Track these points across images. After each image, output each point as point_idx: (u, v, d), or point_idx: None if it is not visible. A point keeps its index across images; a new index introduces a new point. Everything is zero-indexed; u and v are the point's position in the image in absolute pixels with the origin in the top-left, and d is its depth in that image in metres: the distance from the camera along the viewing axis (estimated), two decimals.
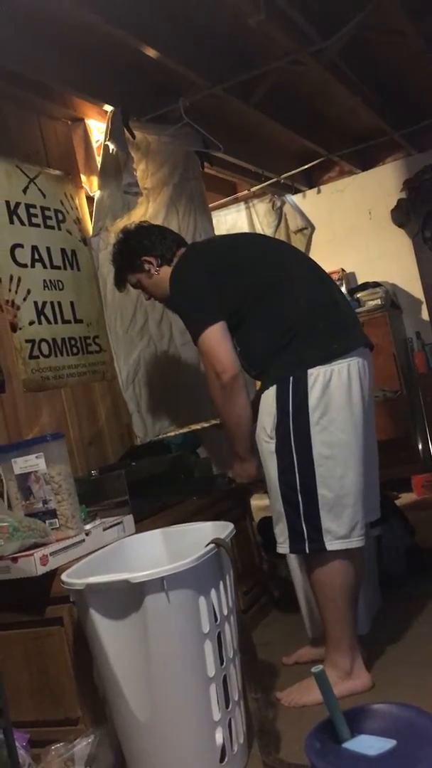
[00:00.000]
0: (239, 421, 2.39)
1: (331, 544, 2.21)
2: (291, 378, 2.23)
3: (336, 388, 2.21)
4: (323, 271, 2.48)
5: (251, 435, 2.42)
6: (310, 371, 2.21)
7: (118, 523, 2.38)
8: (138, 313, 3.49)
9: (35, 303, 3.01)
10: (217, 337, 2.29)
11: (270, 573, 3.24)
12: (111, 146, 3.31)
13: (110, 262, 2.74)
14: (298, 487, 2.23)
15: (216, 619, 1.87)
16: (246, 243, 2.60)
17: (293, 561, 2.81)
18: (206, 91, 3.58)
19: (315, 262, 2.50)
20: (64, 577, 1.90)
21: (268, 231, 5.63)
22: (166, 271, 2.52)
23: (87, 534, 2.25)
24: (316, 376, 2.21)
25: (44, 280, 3.08)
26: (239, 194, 5.51)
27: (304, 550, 2.25)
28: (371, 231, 5.57)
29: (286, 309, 2.29)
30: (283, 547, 2.30)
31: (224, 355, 2.29)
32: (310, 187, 5.74)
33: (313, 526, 2.22)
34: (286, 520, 2.26)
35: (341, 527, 2.21)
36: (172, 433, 3.45)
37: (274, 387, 2.26)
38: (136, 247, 2.57)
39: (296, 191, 5.69)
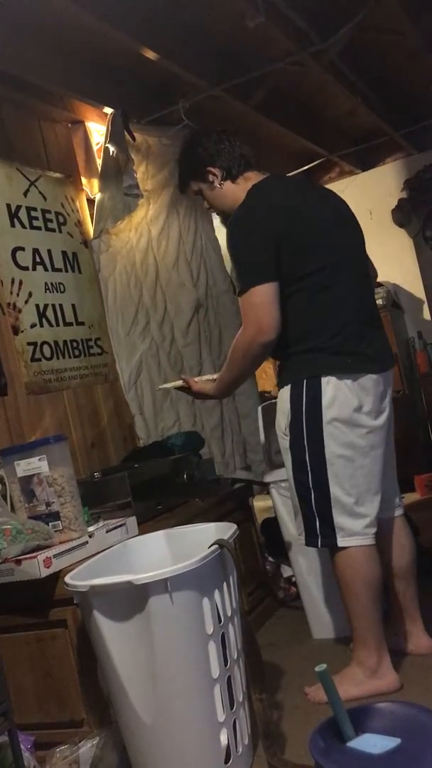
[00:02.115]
0: (249, 376, 2.42)
1: (343, 541, 2.21)
2: (305, 381, 2.23)
3: (349, 390, 2.21)
4: (370, 276, 2.45)
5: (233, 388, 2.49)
6: (324, 378, 2.21)
7: (121, 525, 2.38)
8: (140, 315, 3.50)
9: (37, 306, 3.01)
10: (269, 294, 2.19)
11: (274, 574, 3.24)
12: (111, 148, 3.31)
13: (175, 162, 2.65)
14: (311, 485, 2.24)
15: (220, 620, 1.87)
16: (319, 211, 2.36)
17: (297, 561, 2.81)
18: (206, 92, 3.58)
19: (367, 261, 2.45)
20: (67, 579, 1.90)
21: None
22: (229, 188, 2.41)
23: (90, 536, 2.25)
24: (327, 381, 2.21)
25: (46, 283, 3.08)
26: None
27: (316, 544, 2.28)
28: (372, 231, 5.49)
29: (332, 309, 2.24)
30: (300, 539, 2.33)
31: (272, 317, 2.20)
32: None
33: (326, 523, 2.23)
34: (301, 515, 2.29)
35: (354, 524, 2.22)
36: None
37: (289, 387, 2.27)
38: (203, 155, 2.43)
39: None
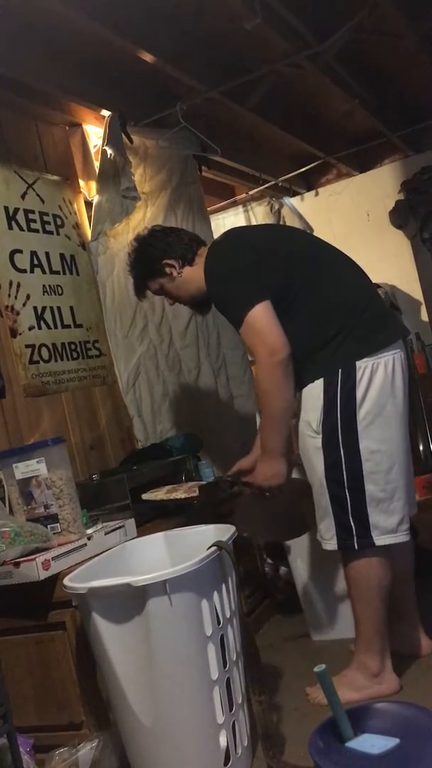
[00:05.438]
0: (287, 405, 2.24)
1: (379, 539, 2.18)
2: (340, 371, 2.19)
3: (382, 380, 2.19)
4: (357, 264, 2.43)
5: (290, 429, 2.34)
6: (358, 364, 2.17)
7: (119, 527, 2.38)
8: (138, 317, 3.50)
9: (35, 308, 3.01)
10: (266, 314, 2.18)
11: (272, 576, 3.23)
12: (109, 151, 3.31)
13: (127, 271, 2.62)
14: (346, 483, 2.20)
15: (219, 622, 1.87)
16: (285, 231, 2.56)
17: (296, 563, 2.81)
18: (203, 95, 3.59)
19: (347, 255, 2.43)
20: (66, 581, 1.90)
21: None
22: (189, 272, 2.45)
23: (89, 538, 2.25)
24: (364, 368, 2.18)
25: (43, 285, 3.08)
26: (237, 197, 5.51)
27: (352, 546, 2.21)
28: (370, 233, 5.56)
29: (335, 299, 2.24)
30: (330, 543, 2.25)
31: (276, 334, 2.17)
32: (308, 190, 5.74)
33: (361, 522, 2.19)
34: (333, 517, 2.23)
35: (388, 522, 2.19)
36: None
37: (321, 380, 2.21)
38: (155, 252, 2.48)
39: (294, 194, 5.69)
